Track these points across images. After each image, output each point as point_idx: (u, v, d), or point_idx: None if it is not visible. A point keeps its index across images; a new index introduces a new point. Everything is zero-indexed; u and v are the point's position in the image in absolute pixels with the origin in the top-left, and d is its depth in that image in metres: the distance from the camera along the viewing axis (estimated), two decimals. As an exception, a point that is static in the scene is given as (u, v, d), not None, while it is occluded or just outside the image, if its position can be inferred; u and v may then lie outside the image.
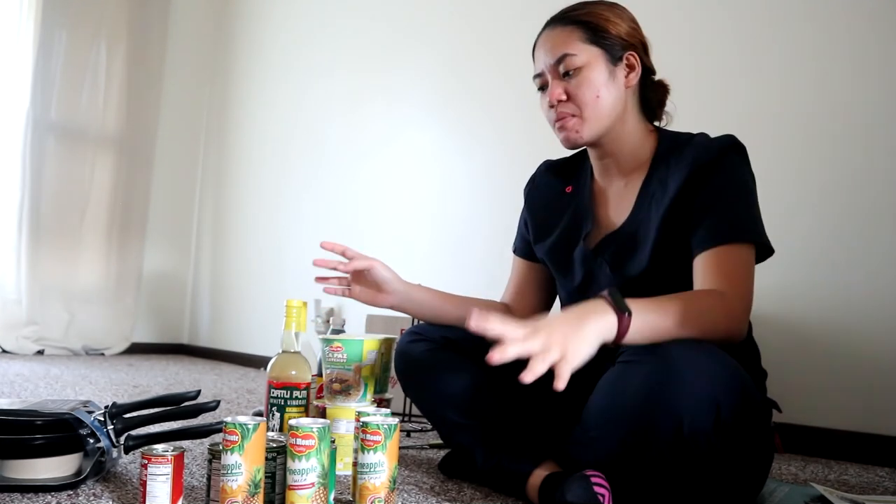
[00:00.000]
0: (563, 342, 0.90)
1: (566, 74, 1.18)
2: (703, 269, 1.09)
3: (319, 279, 1.31)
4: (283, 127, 3.76)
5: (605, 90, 1.18)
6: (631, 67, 1.20)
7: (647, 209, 1.18)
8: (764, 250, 1.12)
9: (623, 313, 0.94)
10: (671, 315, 0.98)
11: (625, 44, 1.20)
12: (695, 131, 1.21)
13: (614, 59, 1.19)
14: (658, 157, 1.21)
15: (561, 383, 0.87)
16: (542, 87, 1.23)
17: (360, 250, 1.31)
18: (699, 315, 1.00)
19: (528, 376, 0.87)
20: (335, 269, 1.27)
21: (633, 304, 0.96)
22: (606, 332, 0.94)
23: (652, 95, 1.25)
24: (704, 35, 2.14)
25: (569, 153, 1.36)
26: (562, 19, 1.21)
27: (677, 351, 0.96)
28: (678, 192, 1.14)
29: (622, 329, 0.94)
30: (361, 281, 1.30)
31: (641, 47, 1.23)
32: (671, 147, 1.20)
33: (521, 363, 1.33)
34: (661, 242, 1.14)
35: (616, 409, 1.00)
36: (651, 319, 0.97)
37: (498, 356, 0.89)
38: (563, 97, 1.18)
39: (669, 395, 0.94)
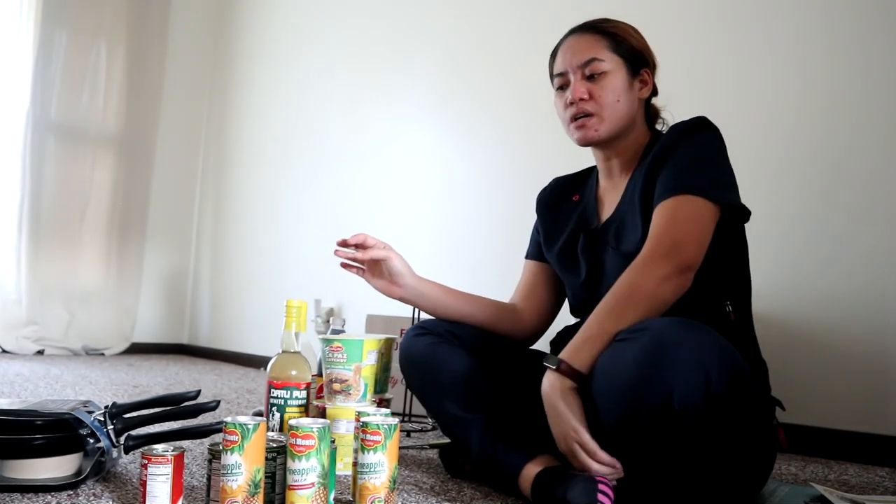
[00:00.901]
0: (564, 440, 1.07)
1: (591, 77, 1.27)
2: (649, 229, 1.16)
3: (339, 253, 1.35)
4: (283, 127, 3.76)
5: (624, 96, 1.28)
6: (644, 83, 1.31)
7: (633, 192, 1.26)
8: (734, 210, 1.18)
9: (557, 366, 1.08)
10: (599, 325, 1.08)
11: (642, 60, 1.30)
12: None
13: (633, 72, 1.29)
14: (646, 151, 1.29)
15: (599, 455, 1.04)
16: (563, 87, 1.31)
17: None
18: (623, 302, 1.08)
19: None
20: (353, 258, 1.33)
21: (566, 349, 1.09)
22: (563, 387, 1.07)
23: (652, 111, 1.37)
24: (693, 35, 2.14)
25: (575, 170, 1.47)
26: (590, 28, 1.31)
27: (668, 326, 0.99)
28: (650, 167, 1.22)
29: (570, 372, 1.07)
30: (376, 270, 1.35)
31: (653, 67, 1.33)
32: (657, 141, 1.27)
33: (522, 359, 1.36)
34: (646, 217, 1.20)
35: (611, 385, 1.03)
36: (586, 341, 1.08)
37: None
38: (586, 96, 1.26)
39: (660, 366, 0.97)
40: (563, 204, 1.43)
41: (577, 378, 1.07)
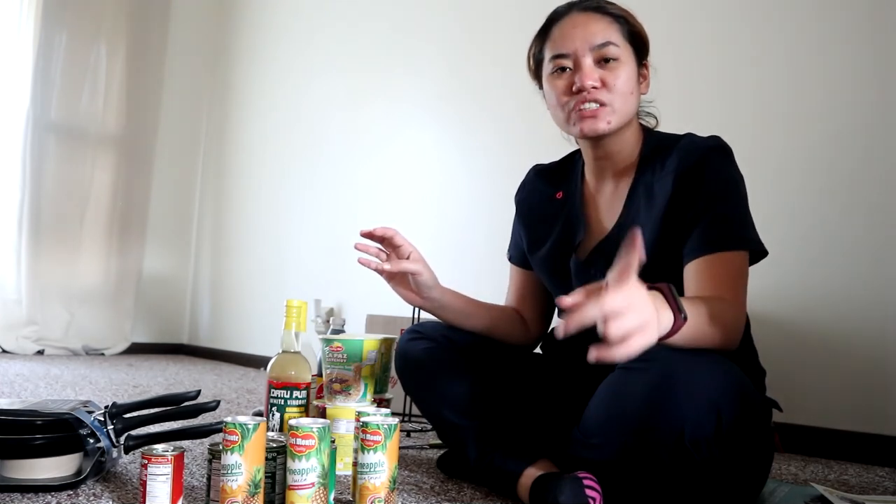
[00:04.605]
0: (649, 321, 0.78)
1: (603, 63, 1.15)
2: (696, 277, 1.07)
3: (360, 246, 1.19)
4: (283, 127, 3.76)
5: (635, 90, 1.18)
6: (644, 77, 1.22)
7: (636, 214, 1.18)
8: (757, 254, 1.11)
9: (680, 314, 0.87)
10: (704, 320, 0.95)
11: (645, 51, 1.21)
12: (693, 132, 1.21)
13: (639, 64, 1.20)
14: (644, 158, 1.20)
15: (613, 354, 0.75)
16: (563, 69, 1.17)
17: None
18: (717, 321, 0.97)
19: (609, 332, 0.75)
20: (377, 256, 1.20)
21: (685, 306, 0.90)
22: (663, 328, 0.85)
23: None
24: (691, 36, 2.14)
25: (558, 157, 1.37)
26: (598, 9, 1.18)
27: (677, 358, 0.96)
28: (667, 203, 1.13)
29: (674, 329, 0.87)
30: (401, 278, 1.22)
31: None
32: (657, 148, 1.19)
33: (520, 363, 1.33)
34: (657, 254, 1.13)
35: (618, 416, 1.00)
36: (695, 325, 0.92)
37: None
38: (599, 84, 1.14)
39: (671, 402, 0.94)
40: (546, 204, 1.32)
41: (670, 331, 0.87)
